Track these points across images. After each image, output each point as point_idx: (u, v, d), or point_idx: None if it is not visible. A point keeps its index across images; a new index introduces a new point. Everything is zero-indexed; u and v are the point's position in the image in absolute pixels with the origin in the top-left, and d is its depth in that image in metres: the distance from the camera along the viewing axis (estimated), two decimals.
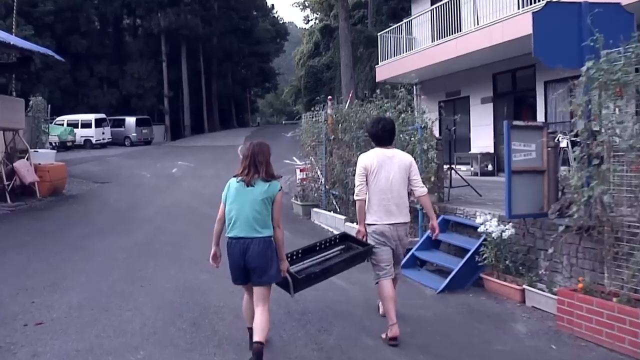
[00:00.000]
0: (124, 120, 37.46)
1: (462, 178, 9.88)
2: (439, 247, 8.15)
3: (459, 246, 7.69)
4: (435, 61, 16.80)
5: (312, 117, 13.58)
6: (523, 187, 6.59)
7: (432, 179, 8.33)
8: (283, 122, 76.98)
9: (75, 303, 6.03)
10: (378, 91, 10.28)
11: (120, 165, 24.44)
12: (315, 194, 13.32)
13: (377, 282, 5.24)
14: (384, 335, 5.09)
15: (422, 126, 8.36)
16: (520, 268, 6.67)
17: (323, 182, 12.69)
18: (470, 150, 17.65)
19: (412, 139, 8.51)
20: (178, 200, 15.33)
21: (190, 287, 6.70)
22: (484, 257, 6.75)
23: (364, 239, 5.30)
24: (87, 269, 7.62)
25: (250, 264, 4.33)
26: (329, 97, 13.32)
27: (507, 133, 6.51)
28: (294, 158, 25.34)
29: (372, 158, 5.23)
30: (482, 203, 8.82)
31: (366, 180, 5.20)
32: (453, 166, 10.37)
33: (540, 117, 15.25)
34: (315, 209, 12.53)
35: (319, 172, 13.20)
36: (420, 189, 5.32)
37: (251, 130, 46.24)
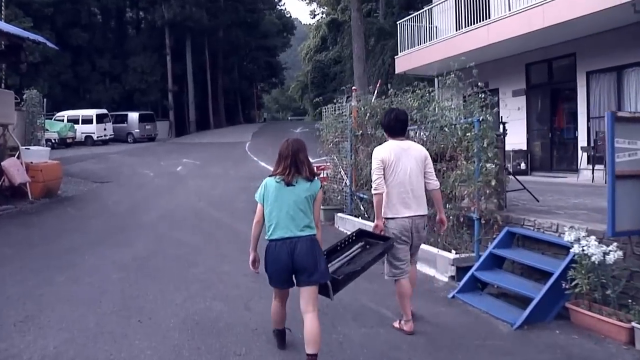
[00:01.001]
0: (126, 115, 36.10)
1: (518, 180, 8.41)
2: (502, 266, 6.70)
3: (529, 266, 6.24)
4: (460, 51, 15.33)
5: (335, 110, 12.10)
6: (628, 195, 5.16)
7: (493, 182, 6.86)
8: (289, 118, 76.00)
9: (51, 350, 4.58)
10: (388, 85, 9.37)
11: (121, 163, 23.03)
12: (339, 197, 11.87)
13: (395, 281, 5.27)
14: (397, 324, 5.31)
15: (481, 119, 6.89)
16: (623, 298, 5.21)
17: (348, 184, 11.24)
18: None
19: (468, 134, 7.04)
20: (184, 202, 13.91)
21: (202, 324, 5.24)
22: (574, 283, 5.30)
23: (382, 233, 5.22)
24: (73, 295, 6.16)
25: (300, 264, 4.20)
26: (354, 87, 11.88)
27: (610, 127, 5.06)
28: None
29: (388, 151, 5.18)
30: (549, 211, 7.36)
31: (384, 173, 5.14)
32: (507, 167, 8.88)
33: (582, 110, 13.82)
34: (339, 214, 11.09)
35: (342, 173, 11.76)
36: (434, 182, 5.33)
37: (258, 127, 44.78)
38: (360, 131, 10.70)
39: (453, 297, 6.37)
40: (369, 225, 9.32)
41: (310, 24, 59.51)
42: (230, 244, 9.04)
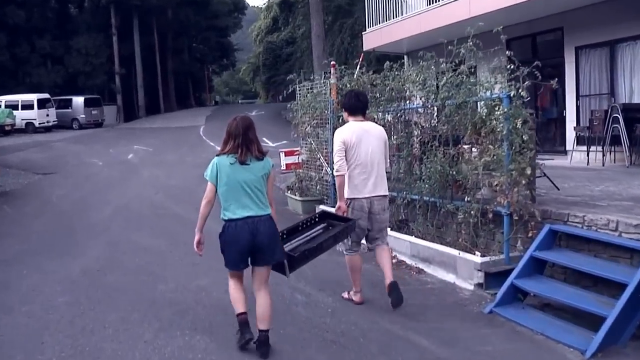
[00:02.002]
0: (70, 100, 33.59)
1: (540, 169, 7.25)
2: (543, 271, 5.54)
3: (581, 271, 5.10)
4: (435, 26, 14.19)
5: (312, 89, 10.72)
6: None
7: (529, 171, 5.67)
8: (239, 102, 74.16)
9: None
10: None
11: (66, 152, 21.06)
12: (318, 187, 10.55)
13: (345, 255, 5.43)
14: (345, 295, 5.50)
15: (510, 94, 5.68)
16: None
17: (329, 172, 9.92)
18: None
19: (493, 113, 5.82)
20: (139, 195, 12.33)
21: None
22: None
23: (345, 215, 5.23)
24: (1, 336, 4.64)
25: (262, 243, 4.15)
26: (332, 62, 10.53)
27: None
28: (265, 139, 22.69)
29: (350, 132, 5.18)
30: (587, 203, 6.23)
31: (345, 155, 5.13)
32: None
33: (571, 88, 12.86)
34: (322, 207, 9.78)
35: (322, 160, 10.43)
36: (387, 165, 5.44)
37: (211, 110, 42.76)
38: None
39: (491, 312, 5.18)
40: None
41: (260, 6, 57.91)
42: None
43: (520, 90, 5.71)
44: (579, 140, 12.15)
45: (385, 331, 4.71)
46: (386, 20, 17.16)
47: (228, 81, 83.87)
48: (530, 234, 5.68)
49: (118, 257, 7.16)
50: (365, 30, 18.60)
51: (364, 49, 19.02)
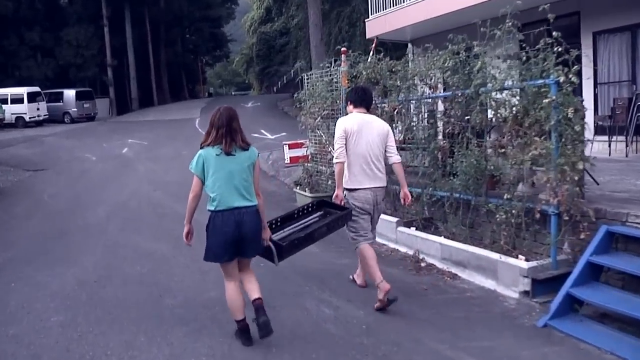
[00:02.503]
0: (62, 93, 32.57)
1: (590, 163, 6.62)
2: (598, 278, 4.91)
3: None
4: (443, 12, 13.52)
5: (322, 77, 10.03)
6: None
7: (580, 165, 5.04)
8: (232, 93, 73.31)
9: None
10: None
11: (58, 147, 20.28)
12: (329, 182, 9.89)
13: (356, 247, 5.28)
14: (377, 305, 4.97)
15: (560, 80, 5.05)
16: None
17: None
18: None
19: (539, 102, 5.18)
20: (136, 192, 11.65)
21: None
22: None
23: (342, 203, 5.22)
24: None
25: (247, 234, 4.15)
26: (343, 48, 9.86)
27: None
28: (263, 131, 22.02)
29: (352, 122, 5.21)
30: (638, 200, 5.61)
31: (346, 143, 5.14)
32: None
33: (588, 75, 12.21)
34: None
35: (333, 153, 9.77)
36: (395, 156, 5.32)
37: (206, 102, 41.85)
38: None
39: (546, 325, 4.56)
40: (385, 220, 7.56)
41: None
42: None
43: (570, 76, 5.07)
44: (599, 130, 11.53)
45: (433, 353, 4.08)
46: (392, 6, 16.49)
47: (221, 73, 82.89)
48: (582, 236, 5.06)
49: (117, 265, 6.48)
50: (368, 18, 17.91)
51: (367, 37, 18.39)
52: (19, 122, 29.01)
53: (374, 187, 5.19)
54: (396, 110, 7.98)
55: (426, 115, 7.81)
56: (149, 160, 16.45)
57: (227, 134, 4.12)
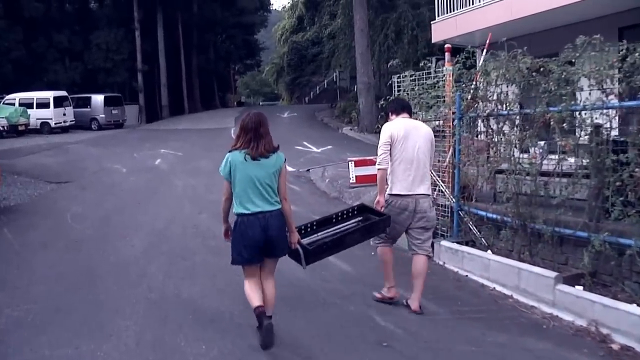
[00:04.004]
0: (89, 98, 30.92)
1: None
2: None
3: None
4: (524, 14, 11.48)
5: (424, 79, 7.84)
6: None
7: None
8: (260, 103, 72.06)
9: None
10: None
11: (85, 156, 18.34)
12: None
13: (377, 246, 5.34)
14: (378, 295, 5.42)
15: None
16: None
17: (456, 194, 7.09)
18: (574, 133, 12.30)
19: None
20: (177, 214, 9.59)
21: None
22: None
23: (382, 210, 5.15)
24: None
25: (272, 237, 4.27)
26: (447, 45, 7.76)
27: None
28: (306, 143, 19.98)
29: (399, 127, 5.13)
30: None
31: (390, 150, 5.07)
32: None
33: None
34: (444, 243, 6.95)
35: (435, 177, 7.60)
36: (430, 165, 5.34)
37: (239, 111, 39.97)
38: (481, 110, 6.61)
39: None
40: (534, 275, 5.46)
41: (284, 6, 56.05)
42: (303, 318, 4.95)
43: None
44: None
45: None
46: (465, 6, 14.37)
47: (249, 83, 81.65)
48: None
49: (171, 340, 4.34)
50: (434, 20, 15.86)
51: (433, 41, 16.37)
52: (44, 128, 27.34)
53: (416, 195, 5.09)
54: (549, 123, 5.79)
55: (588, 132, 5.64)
56: (186, 175, 14.40)
57: (255, 139, 4.21)
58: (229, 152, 4.28)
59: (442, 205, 7.44)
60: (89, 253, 7.17)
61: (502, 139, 6.44)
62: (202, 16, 42.09)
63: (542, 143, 6.24)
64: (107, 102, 30.95)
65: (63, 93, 29.19)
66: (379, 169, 5.12)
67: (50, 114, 27.67)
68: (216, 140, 23.05)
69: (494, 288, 6.03)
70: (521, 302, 5.61)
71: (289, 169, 14.63)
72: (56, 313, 5.03)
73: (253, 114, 4.37)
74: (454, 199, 7.26)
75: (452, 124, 7.34)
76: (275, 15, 66.70)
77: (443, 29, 15.28)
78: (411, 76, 7.91)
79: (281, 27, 56.34)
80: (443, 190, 7.50)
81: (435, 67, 7.84)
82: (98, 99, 30.88)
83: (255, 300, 4.32)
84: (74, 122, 28.99)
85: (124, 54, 35.85)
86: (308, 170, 14.73)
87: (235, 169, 4.22)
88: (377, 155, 5.20)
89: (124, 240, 7.82)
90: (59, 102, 28.27)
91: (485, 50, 7.35)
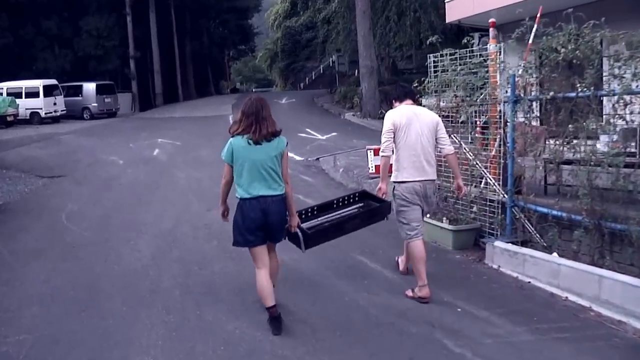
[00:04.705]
0: (81, 87, 29.72)
1: None
2: None
3: None
4: None
5: (463, 58, 6.85)
6: None
7: None
8: (253, 90, 71.09)
9: None
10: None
11: (78, 147, 17.29)
12: (474, 208, 6.73)
13: (408, 242, 5.18)
14: (410, 293, 5.08)
15: None
16: None
17: (509, 188, 6.17)
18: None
19: None
20: (183, 212, 8.66)
21: None
22: None
23: (384, 197, 5.18)
24: None
25: (272, 222, 4.29)
26: (492, 20, 6.83)
27: None
28: (310, 130, 19.04)
29: (400, 114, 5.14)
30: None
31: (394, 137, 5.06)
32: None
33: None
34: (498, 244, 6.03)
35: (479, 165, 6.68)
36: (448, 147, 5.26)
37: (235, 98, 38.86)
38: (540, 92, 5.68)
39: None
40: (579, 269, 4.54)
41: None
42: (360, 347, 4.08)
43: None
44: None
45: None
46: None
47: (241, 69, 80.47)
48: None
49: None
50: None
51: (447, 20, 15.33)
52: (34, 118, 26.22)
53: (423, 180, 5.08)
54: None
55: None
56: (188, 166, 13.43)
57: (256, 123, 4.19)
58: (231, 137, 4.29)
59: (489, 200, 6.52)
60: (90, 262, 6.20)
61: (570, 125, 5.51)
62: (195, 0, 40.76)
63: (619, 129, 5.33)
64: (99, 90, 29.74)
65: (53, 81, 28.01)
66: (382, 156, 5.12)
67: (40, 104, 26.51)
68: (214, 128, 22.04)
69: (567, 298, 5.13)
70: (605, 316, 4.73)
71: (298, 158, 13.70)
72: (55, 345, 4.09)
73: (254, 98, 4.36)
74: (505, 194, 6.35)
75: (500, 109, 6.44)
76: (269, 1, 65.49)
77: (458, 8, 14.27)
78: (451, 55, 6.92)
79: (274, 12, 55.09)
80: (492, 183, 6.56)
81: (478, 44, 6.86)
82: (90, 87, 29.68)
83: (268, 299, 4.31)
84: (65, 111, 27.83)
85: (116, 40, 34.51)
86: (317, 159, 13.78)
87: (237, 154, 4.23)
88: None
89: (128, 244, 6.86)
90: (49, 91, 27.10)
91: (534, 29, 6.40)
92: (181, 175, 12.19)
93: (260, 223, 4.24)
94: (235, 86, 62.26)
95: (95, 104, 29.36)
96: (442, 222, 6.74)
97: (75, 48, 33.84)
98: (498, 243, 6.06)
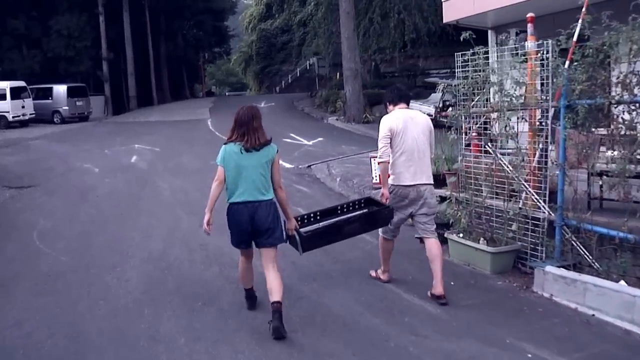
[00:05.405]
0: (51, 89, 28.28)
1: None
2: None
3: None
4: None
5: (511, 54, 6.01)
6: None
7: None
8: (226, 94, 70.23)
9: None
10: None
11: (49, 154, 16.09)
12: (513, 226, 5.89)
13: (381, 237, 5.39)
14: (373, 273, 5.63)
15: None
16: None
17: (559, 205, 5.38)
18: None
19: None
20: (173, 229, 7.69)
21: None
22: None
23: (387, 202, 5.16)
24: None
25: (260, 226, 4.40)
26: (530, 14, 6.04)
27: None
28: (295, 136, 18.15)
29: (397, 119, 5.14)
30: None
31: (390, 142, 5.09)
32: None
33: None
34: (550, 269, 5.20)
35: (521, 182, 5.84)
36: (431, 153, 5.37)
37: (211, 101, 37.72)
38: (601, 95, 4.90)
39: None
40: None
41: None
42: None
43: None
44: None
45: None
46: None
47: (214, 73, 79.37)
48: None
49: None
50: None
51: (444, 21, 14.60)
52: (1, 122, 24.89)
53: (418, 184, 5.09)
54: None
55: None
56: (170, 174, 12.40)
57: (248, 132, 4.38)
58: (224, 144, 4.48)
59: (531, 217, 5.71)
60: (70, 296, 5.19)
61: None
62: (170, 0, 39.51)
63: None
64: (71, 92, 28.34)
65: (21, 83, 26.61)
66: (380, 162, 5.15)
67: (7, 107, 25.14)
68: (194, 132, 21.04)
69: None
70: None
71: (288, 165, 12.76)
72: None
73: (247, 107, 4.52)
74: (549, 211, 5.55)
75: (543, 113, 5.65)
76: (244, 3, 64.56)
77: (456, 7, 13.57)
78: (485, 53, 6.09)
79: (249, 15, 54.52)
80: (535, 200, 5.73)
81: (516, 41, 6.05)
82: (60, 89, 28.27)
83: (246, 283, 4.73)
84: (34, 115, 26.40)
85: (87, 40, 33.08)
86: (309, 166, 12.89)
87: (229, 160, 4.40)
88: (377, 148, 5.20)
89: (114, 272, 5.86)
90: (16, 93, 25.75)
91: (579, 24, 5.62)
92: (164, 186, 11.17)
93: (248, 227, 4.39)
94: (211, 89, 60.99)
95: (67, 108, 27.95)
96: (478, 242, 5.89)
97: (44, 48, 32.37)
98: (550, 268, 5.24)
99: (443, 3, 14.16)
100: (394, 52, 28.69)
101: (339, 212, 5.37)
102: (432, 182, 5.27)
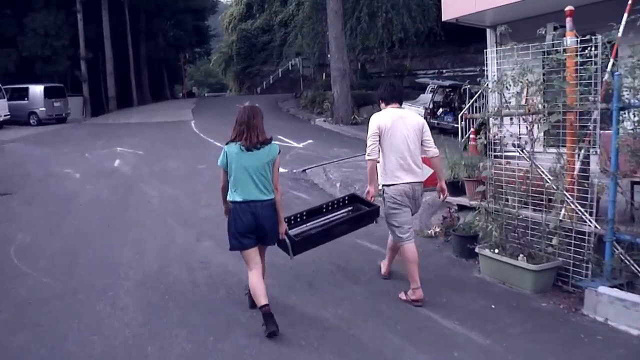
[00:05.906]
0: (27, 89, 27.15)
1: None
2: None
3: None
4: None
5: (547, 52, 5.42)
6: None
7: None
8: (205, 95, 69.67)
9: None
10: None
11: (26, 158, 15.18)
12: (553, 241, 5.28)
13: (401, 245, 5.15)
14: (403, 296, 5.08)
15: None
16: None
17: (610, 218, 4.80)
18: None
19: None
20: (167, 244, 6.98)
21: None
22: None
23: (372, 200, 5.19)
24: None
25: (265, 226, 4.43)
26: (569, 8, 5.47)
27: None
28: (284, 138, 17.51)
29: (386, 118, 5.17)
30: None
31: (379, 140, 5.09)
32: None
33: None
34: (606, 290, 4.60)
35: (563, 193, 5.23)
36: (433, 150, 5.27)
37: (193, 102, 36.81)
38: None
39: None
40: None
41: None
42: None
43: None
44: None
45: None
46: None
47: (193, 73, 78.52)
48: None
49: None
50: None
51: (443, 19, 14.07)
52: None
53: (412, 182, 5.07)
54: None
55: None
56: (157, 180, 11.64)
57: (247, 131, 4.38)
58: (226, 144, 4.47)
59: (574, 231, 5.12)
60: (56, 331, 4.45)
61: None
62: None
63: None
64: (48, 93, 27.24)
65: None
66: (368, 160, 5.11)
67: None
68: (178, 134, 20.24)
69: None
70: None
71: (281, 169, 12.07)
72: None
73: (248, 107, 4.51)
74: (596, 225, 4.97)
75: (590, 116, 5.06)
76: (223, 3, 63.91)
77: (456, 5, 13.02)
78: (524, 49, 5.48)
79: (229, 15, 54.08)
80: (580, 212, 5.14)
81: (553, 38, 5.45)
82: (37, 90, 27.15)
83: (261, 298, 4.32)
84: (9, 116, 25.21)
85: (65, 39, 31.97)
86: (304, 171, 12.28)
87: (231, 160, 4.40)
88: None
89: (106, 297, 5.14)
90: None
91: (626, 14, 5.06)
92: (152, 193, 10.41)
93: (251, 226, 4.37)
94: (192, 90, 59.95)
95: (44, 109, 26.84)
96: (516, 259, 5.27)
97: (19, 47, 31.17)
98: (604, 289, 4.64)
99: (442, 1, 13.67)
100: (382, 52, 28.27)
101: (324, 210, 5.38)
102: (422, 179, 5.28)
